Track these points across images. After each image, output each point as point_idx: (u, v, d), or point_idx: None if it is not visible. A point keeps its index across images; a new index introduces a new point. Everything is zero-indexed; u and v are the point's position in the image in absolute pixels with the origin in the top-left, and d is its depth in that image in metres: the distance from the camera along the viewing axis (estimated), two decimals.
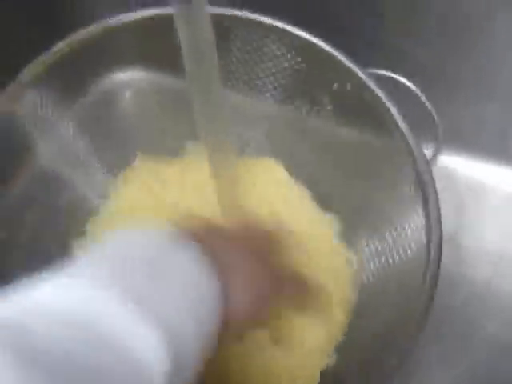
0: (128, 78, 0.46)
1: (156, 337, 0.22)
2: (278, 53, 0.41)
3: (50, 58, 0.39)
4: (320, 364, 0.40)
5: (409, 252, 0.36)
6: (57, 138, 0.42)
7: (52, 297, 0.22)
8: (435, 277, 0.33)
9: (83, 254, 0.28)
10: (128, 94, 0.47)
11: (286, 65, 0.42)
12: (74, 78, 0.41)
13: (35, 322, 0.21)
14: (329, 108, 0.42)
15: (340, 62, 0.38)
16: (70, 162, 0.43)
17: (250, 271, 0.34)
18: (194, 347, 0.26)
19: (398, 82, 0.38)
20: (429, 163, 0.34)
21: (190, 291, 0.27)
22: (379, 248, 0.40)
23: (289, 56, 0.41)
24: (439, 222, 0.33)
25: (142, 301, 0.23)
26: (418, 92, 0.38)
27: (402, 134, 0.36)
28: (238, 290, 0.32)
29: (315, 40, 0.38)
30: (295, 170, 0.46)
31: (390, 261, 0.38)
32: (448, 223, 0.35)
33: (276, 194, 0.46)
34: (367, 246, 0.41)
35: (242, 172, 0.44)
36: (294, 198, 0.46)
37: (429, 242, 0.34)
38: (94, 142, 0.44)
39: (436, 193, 0.34)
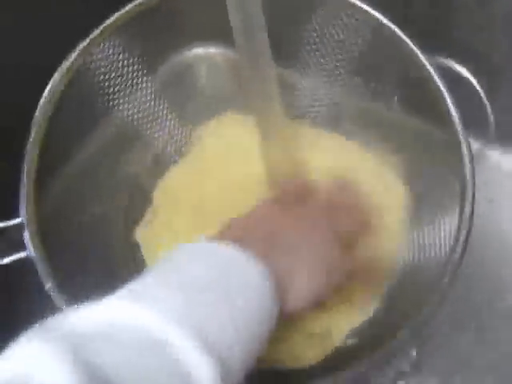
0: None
1: (213, 368, 0.24)
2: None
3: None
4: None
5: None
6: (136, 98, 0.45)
7: (123, 321, 0.24)
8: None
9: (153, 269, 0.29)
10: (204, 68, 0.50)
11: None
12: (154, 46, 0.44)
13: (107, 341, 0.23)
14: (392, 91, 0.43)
15: (408, 47, 0.39)
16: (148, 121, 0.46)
17: (315, 250, 0.33)
18: (241, 367, 0.27)
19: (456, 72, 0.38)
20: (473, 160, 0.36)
21: (248, 314, 0.28)
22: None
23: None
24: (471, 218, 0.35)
25: (204, 333, 0.25)
26: (475, 82, 0.38)
27: (454, 125, 0.37)
28: (301, 278, 0.32)
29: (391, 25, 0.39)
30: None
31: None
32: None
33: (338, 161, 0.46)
34: None
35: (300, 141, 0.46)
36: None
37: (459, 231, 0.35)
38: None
39: (473, 191, 0.35)
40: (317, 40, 0.45)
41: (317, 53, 0.46)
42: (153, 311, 0.24)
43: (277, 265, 0.31)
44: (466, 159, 0.36)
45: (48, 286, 0.36)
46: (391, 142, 0.44)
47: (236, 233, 0.34)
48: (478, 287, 0.45)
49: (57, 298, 0.36)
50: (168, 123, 0.48)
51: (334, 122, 0.47)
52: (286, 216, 0.35)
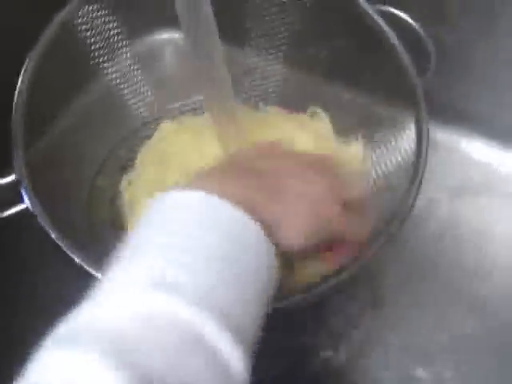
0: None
1: (241, 349, 0.24)
2: None
3: None
4: None
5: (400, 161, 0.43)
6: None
7: (141, 303, 0.24)
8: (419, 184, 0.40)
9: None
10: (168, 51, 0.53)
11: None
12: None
13: (132, 329, 0.22)
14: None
15: None
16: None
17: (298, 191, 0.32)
18: (257, 331, 0.27)
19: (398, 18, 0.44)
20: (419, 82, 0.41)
21: (254, 283, 0.27)
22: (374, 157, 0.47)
23: None
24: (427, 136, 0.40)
25: (223, 307, 0.25)
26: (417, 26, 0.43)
27: (398, 53, 0.43)
28: (290, 222, 0.31)
29: None
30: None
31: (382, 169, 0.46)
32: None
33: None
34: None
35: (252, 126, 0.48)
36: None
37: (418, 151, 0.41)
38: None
39: (424, 108, 0.41)
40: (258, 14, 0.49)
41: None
42: (185, 302, 0.24)
43: (264, 209, 0.30)
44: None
45: (53, 234, 0.38)
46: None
47: (219, 179, 0.32)
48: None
49: (62, 244, 0.38)
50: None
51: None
52: (272, 158, 0.35)
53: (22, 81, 0.41)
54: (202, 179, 0.31)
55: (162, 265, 0.25)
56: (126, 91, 0.50)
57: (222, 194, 0.28)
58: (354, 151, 0.48)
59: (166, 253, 0.26)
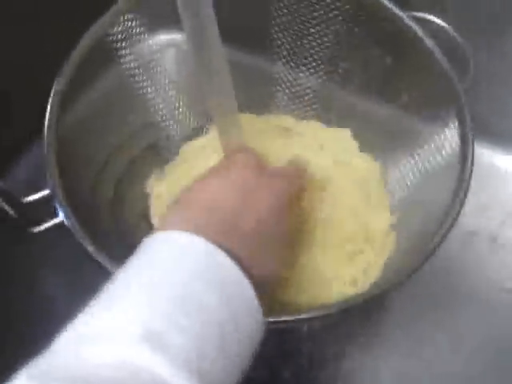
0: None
1: None
2: None
3: None
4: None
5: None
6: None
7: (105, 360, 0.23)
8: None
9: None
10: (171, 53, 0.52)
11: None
12: None
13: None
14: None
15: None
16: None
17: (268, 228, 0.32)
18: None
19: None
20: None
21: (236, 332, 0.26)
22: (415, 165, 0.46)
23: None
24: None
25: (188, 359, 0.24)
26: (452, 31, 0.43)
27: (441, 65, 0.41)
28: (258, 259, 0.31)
29: None
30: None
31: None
32: None
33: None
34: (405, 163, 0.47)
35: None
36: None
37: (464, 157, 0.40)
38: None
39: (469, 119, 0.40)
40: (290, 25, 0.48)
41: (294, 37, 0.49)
42: (164, 358, 0.23)
43: (244, 251, 0.30)
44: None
45: (90, 248, 0.37)
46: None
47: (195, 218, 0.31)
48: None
49: (98, 256, 0.37)
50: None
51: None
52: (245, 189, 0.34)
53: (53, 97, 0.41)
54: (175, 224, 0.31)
55: (147, 315, 0.25)
56: (141, 84, 0.49)
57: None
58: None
59: (151, 301, 0.26)
